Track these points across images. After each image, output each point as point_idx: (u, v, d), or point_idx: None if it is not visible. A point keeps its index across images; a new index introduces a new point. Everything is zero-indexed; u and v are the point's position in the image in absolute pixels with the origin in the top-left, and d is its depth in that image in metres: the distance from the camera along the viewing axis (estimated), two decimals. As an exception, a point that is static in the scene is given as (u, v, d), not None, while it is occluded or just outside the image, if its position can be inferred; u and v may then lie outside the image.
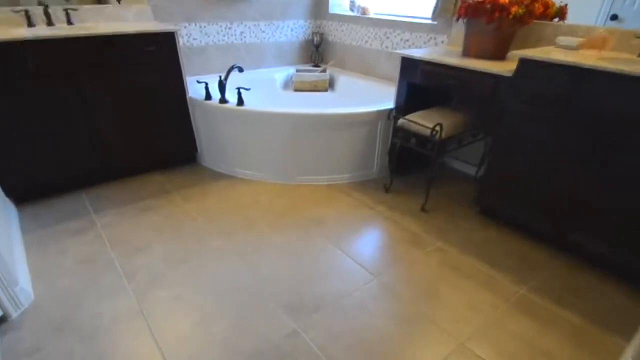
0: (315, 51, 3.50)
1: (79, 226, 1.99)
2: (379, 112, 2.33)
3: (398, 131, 2.17)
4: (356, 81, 3.12)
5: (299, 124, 2.26)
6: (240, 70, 2.39)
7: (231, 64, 3.08)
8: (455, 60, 1.99)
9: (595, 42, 1.77)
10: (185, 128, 2.54)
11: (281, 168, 2.43)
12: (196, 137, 2.61)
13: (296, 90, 3.26)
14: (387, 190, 2.38)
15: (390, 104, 2.40)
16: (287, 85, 3.33)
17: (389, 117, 2.10)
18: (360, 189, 2.41)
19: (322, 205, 2.23)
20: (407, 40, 2.78)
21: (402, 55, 2.20)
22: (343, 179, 2.50)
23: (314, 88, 3.26)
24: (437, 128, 1.93)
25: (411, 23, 2.71)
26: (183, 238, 1.92)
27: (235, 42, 3.06)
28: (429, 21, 2.59)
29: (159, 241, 1.89)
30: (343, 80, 3.22)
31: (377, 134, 2.41)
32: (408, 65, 2.20)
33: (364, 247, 1.87)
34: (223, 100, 2.33)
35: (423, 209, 2.19)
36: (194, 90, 2.52)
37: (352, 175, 2.50)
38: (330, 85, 3.31)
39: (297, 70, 3.32)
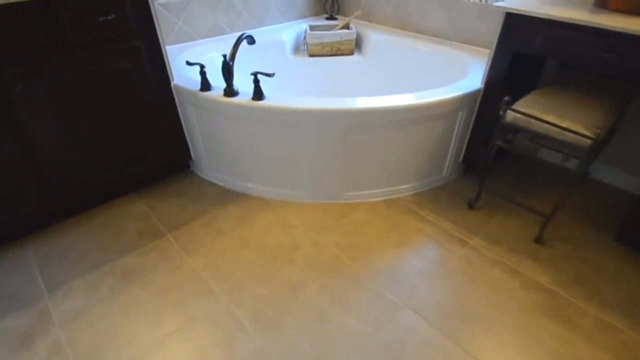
0: (331, -2, 2.60)
1: (25, 326, 1.23)
2: (464, 97, 1.58)
3: (506, 130, 1.44)
4: (393, 40, 2.29)
5: (352, 123, 1.50)
6: (252, 41, 1.54)
7: (224, 23, 2.19)
8: (613, 20, 1.23)
9: None
10: (171, 129, 1.73)
11: (322, 182, 1.69)
12: (189, 140, 1.80)
13: (311, 55, 2.41)
14: (471, 207, 1.70)
15: (464, 80, 1.65)
16: (298, 49, 2.47)
17: (500, 110, 1.36)
18: (432, 205, 1.71)
19: (391, 240, 1.53)
20: (475, -19, 1.95)
21: (506, 9, 1.41)
22: (405, 191, 1.78)
23: (336, 52, 2.41)
24: (594, 135, 1.21)
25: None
26: (198, 329, 1.21)
27: (225, -10, 2.14)
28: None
29: (160, 351, 1.18)
30: (375, 39, 2.37)
31: (456, 127, 1.67)
32: (515, 25, 1.43)
33: (485, 332, 1.21)
34: (230, 91, 1.51)
35: (538, 241, 1.53)
36: (180, 73, 1.67)
37: (416, 185, 1.79)
38: (356, 45, 2.47)
39: (311, 28, 2.45)
